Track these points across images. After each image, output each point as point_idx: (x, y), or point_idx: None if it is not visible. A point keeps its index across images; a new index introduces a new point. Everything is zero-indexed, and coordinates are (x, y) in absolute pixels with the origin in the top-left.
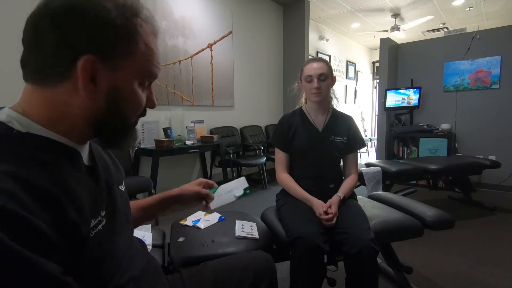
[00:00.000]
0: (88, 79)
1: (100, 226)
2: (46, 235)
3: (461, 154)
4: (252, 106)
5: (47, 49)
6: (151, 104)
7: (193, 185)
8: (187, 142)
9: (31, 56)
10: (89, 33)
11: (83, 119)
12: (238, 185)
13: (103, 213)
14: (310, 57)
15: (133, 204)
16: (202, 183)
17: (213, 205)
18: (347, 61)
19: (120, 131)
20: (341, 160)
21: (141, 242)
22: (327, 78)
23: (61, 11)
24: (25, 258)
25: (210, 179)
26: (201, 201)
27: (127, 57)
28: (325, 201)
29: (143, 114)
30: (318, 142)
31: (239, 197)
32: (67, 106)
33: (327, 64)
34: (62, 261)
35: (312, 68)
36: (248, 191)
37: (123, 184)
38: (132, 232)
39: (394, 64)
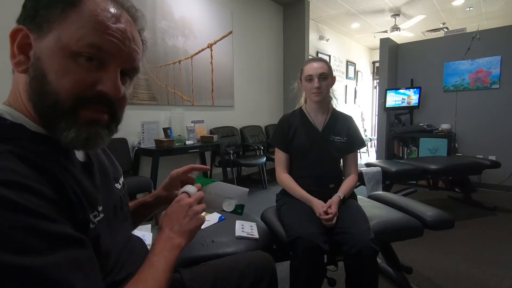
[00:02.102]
0: (17, 50)
1: (97, 220)
2: (55, 200)
3: (461, 154)
4: (252, 106)
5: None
6: (106, 88)
7: (170, 189)
8: (187, 142)
9: None
10: (24, 2)
11: (26, 98)
12: (236, 195)
13: (100, 208)
14: (310, 57)
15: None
16: (176, 178)
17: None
18: (347, 61)
19: (52, 111)
20: (341, 160)
21: (139, 240)
22: (327, 77)
23: None
24: (46, 217)
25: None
26: None
27: (56, 21)
28: (325, 201)
29: (98, 101)
30: (318, 142)
31: (228, 212)
32: (16, 86)
33: (327, 64)
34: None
35: (313, 68)
36: (240, 211)
37: (121, 181)
38: (130, 229)
39: (394, 64)
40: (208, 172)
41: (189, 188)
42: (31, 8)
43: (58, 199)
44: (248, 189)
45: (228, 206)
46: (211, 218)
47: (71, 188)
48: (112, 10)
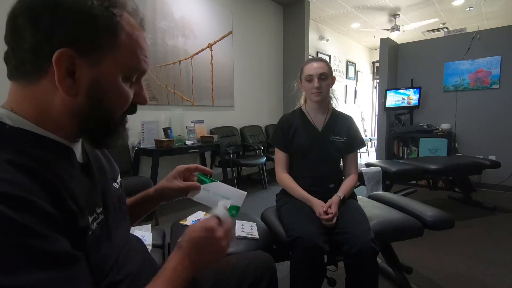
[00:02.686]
0: (65, 74)
1: (96, 223)
2: (51, 214)
3: (461, 154)
4: (252, 106)
5: (25, 45)
6: (141, 100)
7: (172, 180)
8: (187, 142)
9: (11, 53)
10: (64, 25)
11: (67, 116)
12: (233, 196)
13: (99, 210)
14: (310, 57)
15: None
16: (180, 172)
17: (194, 196)
18: (347, 61)
19: (105, 128)
20: (341, 160)
21: (138, 240)
22: (327, 77)
23: (36, 5)
24: (35, 233)
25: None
26: (186, 193)
27: (109, 50)
28: (325, 201)
29: (132, 111)
30: (318, 142)
31: None
32: (49, 103)
33: (327, 64)
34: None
35: (313, 68)
36: (234, 213)
37: (118, 181)
38: (129, 228)
39: (394, 64)
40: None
41: (221, 212)
42: (79, 33)
43: (56, 211)
44: (246, 192)
45: (223, 206)
46: None
47: (71, 196)
48: (142, 31)
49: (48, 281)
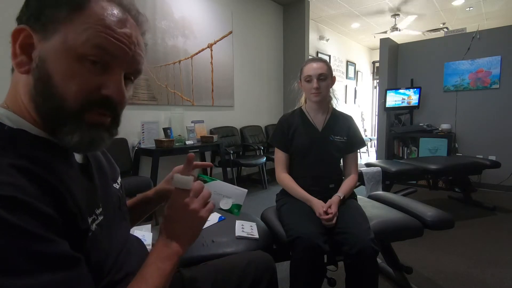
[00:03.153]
0: (18, 50)
1: (95, 224)
2: (53, 218)
3: (461, 154)
4: (252, 106)
5: None
6: (110, 92)
7: (170, 182)
8: (187, 142)
9: None
10: (32, 2)
11: (28, 99)
12: (234, 195)
13: (98, 211)
14: (310, 57)
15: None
16: (178, 172)
17: None
18: (347, 61)
19: (57, 114)
20: (341, 160)
21: (138, 240)
22: (326, 78)
23: None
24: (35, 236)
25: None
26: None
27: (63, 22)
28: (325, 201)
29: (104, 104)
30: (317, 141)
31: (224, 210)
32: (16, 87)
33: (327, 64)
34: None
35: (312, 68)
36: (237, 211)
37: (118, 181)
38: (129, 229)
39: (394, 64)
40: (208, 173)
41: (180, 178)
42: (36, 7)
43: (56, 214)
44: (247, 190)
45: (225, 204)
46: (211, 218)
47: (72, 197)
48: (118, 14)
49: (49, 283)
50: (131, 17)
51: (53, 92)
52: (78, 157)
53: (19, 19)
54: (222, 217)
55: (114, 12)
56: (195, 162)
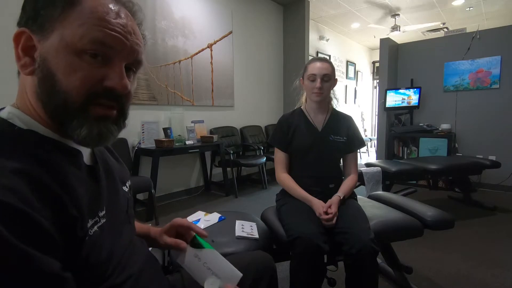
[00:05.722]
0: (21, 53)
1: (97, 226)
2: (46, 232)
3: (461, 154)
4: (252, 106)
5: None
6: (112, 83)
7: (162, 234)
8: (187, 142)
9: None
10: (30, 4)
11: (36, 99)
12: (225, 276)
13: (101, 213)
14: (310, 57)
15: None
16: (174, 227)
17: (182, 259)
18: (347, 61)
19: (64, 109)
20: (341, 160)
21: (142, 242)
22: (330, 79)
23: None
24: (24, 253)
25: (210, 179)
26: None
27: (58, 20)
28: (325, 201)
29: (107, 95)
30: (317, 141)
31: None
32: (24, 88)
33: (331, 65)
34: (61, 257)
35: (317, 68)
36: None
37: (128, 184)
38: (133, 232)
39: (394, 64)
40: (208, 173)
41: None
42: (31, 9)
43: (51, 226)
44: (241, 275)
45: (210, 285)
46: (211, 218)
47: (74, 201)
48: (111, 6)
49: None
50: (125, 8)
51: (57, 89)
52: (86, 159)
53: (19, 24)
54: (222, 217)
55: (107, 3)
56: (193, 226)
